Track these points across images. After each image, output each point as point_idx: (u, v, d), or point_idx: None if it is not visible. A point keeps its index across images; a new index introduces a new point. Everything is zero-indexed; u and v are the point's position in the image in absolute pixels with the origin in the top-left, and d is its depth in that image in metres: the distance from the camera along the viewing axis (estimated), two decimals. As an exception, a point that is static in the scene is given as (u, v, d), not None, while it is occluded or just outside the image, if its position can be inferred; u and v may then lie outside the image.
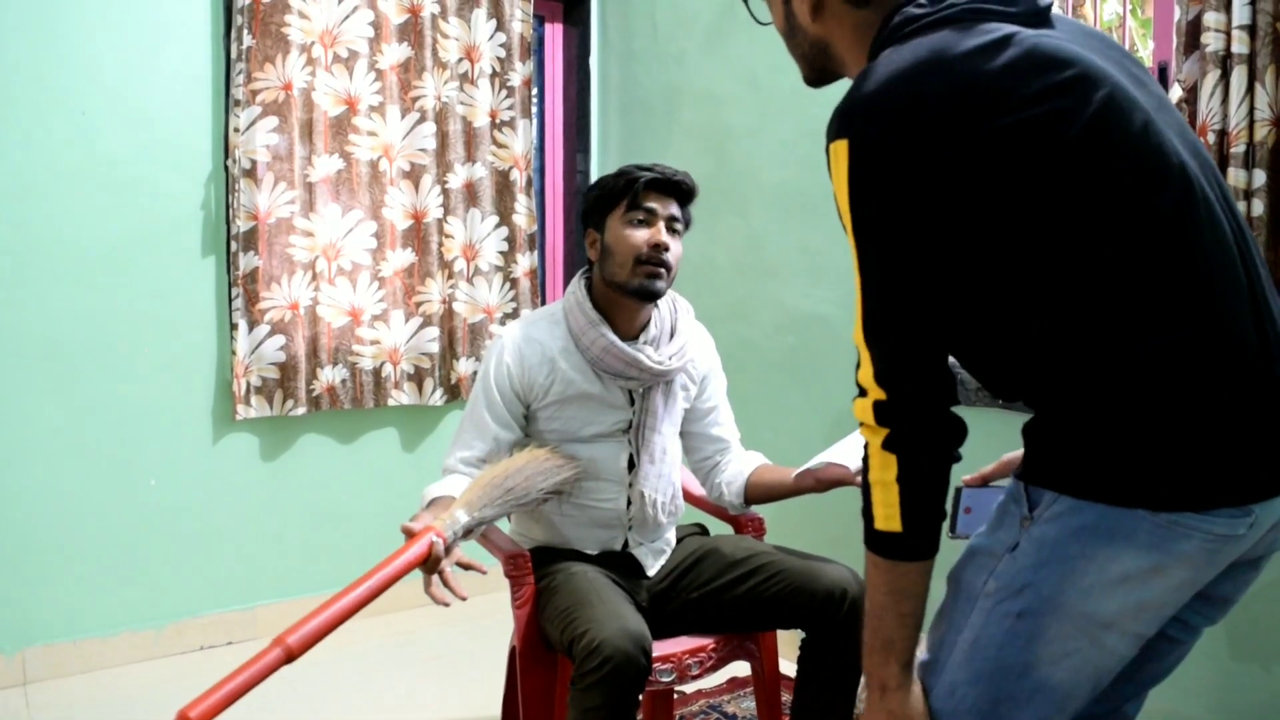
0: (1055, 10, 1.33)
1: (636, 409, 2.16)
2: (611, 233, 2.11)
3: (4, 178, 2.92)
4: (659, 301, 2.19)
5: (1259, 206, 2.07)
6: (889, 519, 1.25)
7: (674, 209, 2.13)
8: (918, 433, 1.23)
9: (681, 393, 2.24)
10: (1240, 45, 2.08)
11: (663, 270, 2.08)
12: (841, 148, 1.21)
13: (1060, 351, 1.19)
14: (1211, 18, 2.11)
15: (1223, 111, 2.12)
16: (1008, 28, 1.22)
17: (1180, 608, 1.25)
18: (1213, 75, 2.12)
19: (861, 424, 1.26)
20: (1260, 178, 2.07)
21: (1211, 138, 2.12)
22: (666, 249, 2.08)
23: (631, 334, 2.14)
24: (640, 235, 2.08)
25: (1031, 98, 1.16)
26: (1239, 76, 2.08)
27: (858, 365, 1.27)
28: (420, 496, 2.09)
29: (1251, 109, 2.08)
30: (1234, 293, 1.18)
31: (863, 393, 1.26)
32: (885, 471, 1.24)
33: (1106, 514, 1.16)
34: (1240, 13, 2.07)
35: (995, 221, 1.18)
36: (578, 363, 2.12)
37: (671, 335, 2.19)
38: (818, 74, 1.48)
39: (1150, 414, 1.14)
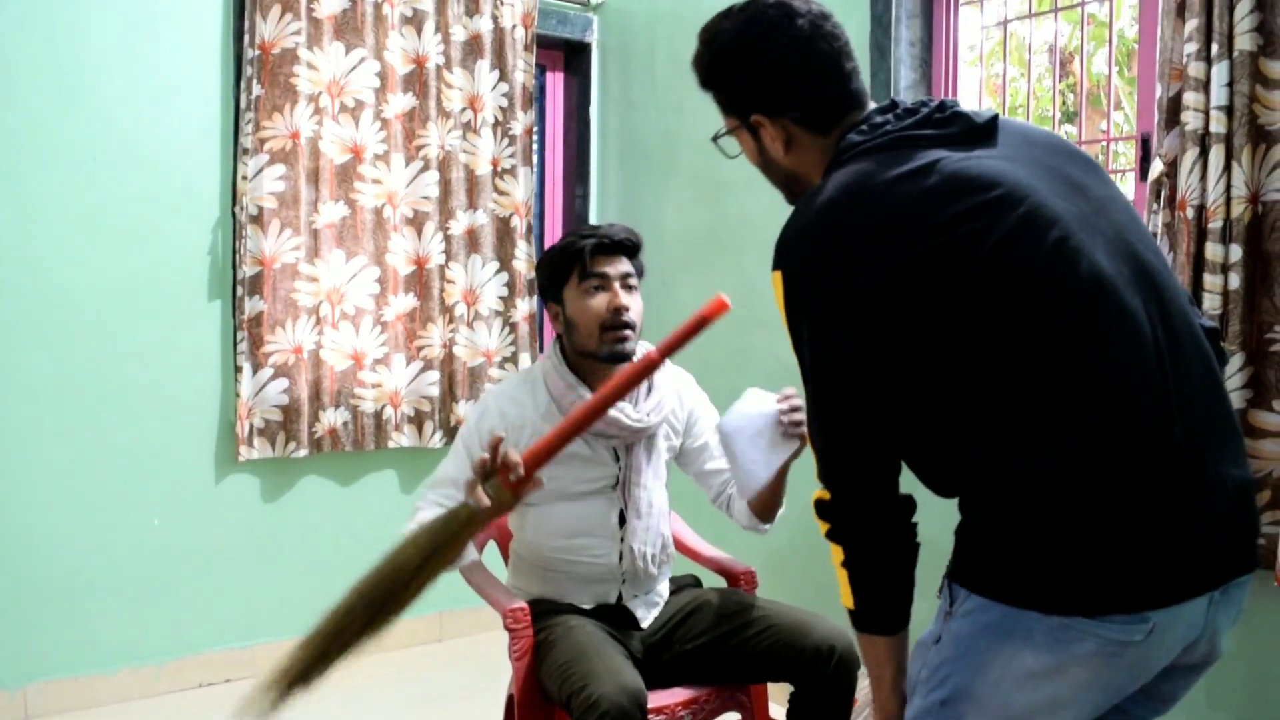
0: (1004, 118, 1.42)
1: (622, 465, 2.22)
2: (571, 304, 2.16)
3: (15, 221, 2.99)
4: (633, 358, 2.23)
5: (1235, 280, 2.15)
6: (845, 595, 1.40)
7: (624, 266, 2.18)
8: (857, 527, 1.36)
9: (665, 444, 2.30)
10: (1218, 125, 2.16)
11: (628, 331, 2.14)
12: (777, 278, 1.37)
13: (971, 460, 1.29)
14: (1190, 97, 2.20)
15: (1201, 187, 2.20)
16: (933, 154, 1.33)
17: (1118, 700, 1.31)
18: (1192, 152, 2.20)
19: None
20: (1236, 252, 2.15)
21: (1190, 212, 2.20)
22: (626, 309, 2.14)
23: None
24: (599, 302, 2.13)
25: (944, 224, 1.27)
26: (1217, 155, 2.16)
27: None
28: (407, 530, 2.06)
29: (1229, 186, 2.16)
30: (1144, 405, 1.23)
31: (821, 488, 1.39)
32: (835, 557, 1.39)
33: (1007, 614, 1.24)
34: (1218, 94, 2.16)
35: (911, 339, 1.29)
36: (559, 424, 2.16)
37: (649, 390, 2.25)
38: (795, 197, 1.57)
39: (1042, 521, 1.22)
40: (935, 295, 1.26)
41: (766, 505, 2.19)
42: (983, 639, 1.27)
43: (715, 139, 1.65)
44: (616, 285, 2.15)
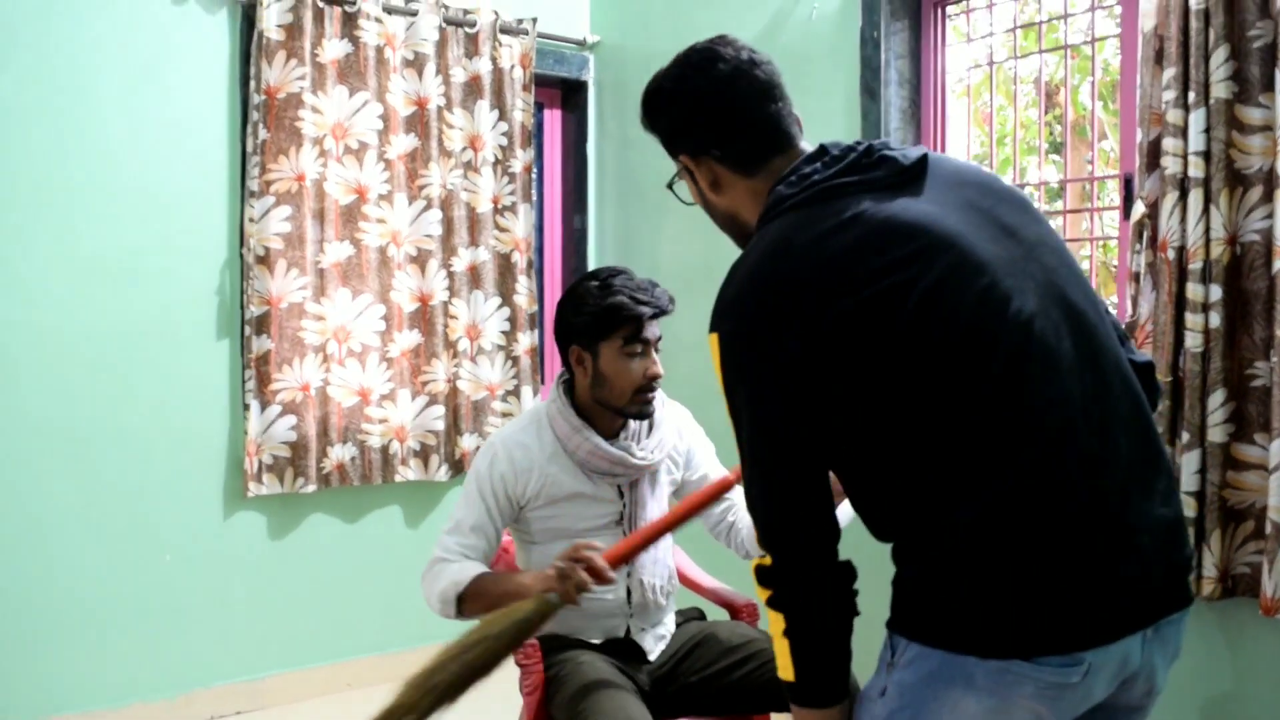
0: (934, 156, 1.44)
1: (626, 501, 2.28)
2: (608, 361, 2.18)
3: (28, 263, 3.07)
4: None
5: (1215, 319, 2.24)
6: (785, 668, 1.38)
7: (658, 330, 2.24)
8: (798, 594, 1.36)
9: (667, 478, 2.37)
10: (1196, 169, 2.25)
11: (655, 394, 2.22)
12: (713, 340, 1.40)
13: (903, 509, 1.32)
14: (1170, 143, 2.29)
15: (1181, 229, 2.29)
16: (859, 204, 1.35)
17: None
18: (1172, 196, 2.29)
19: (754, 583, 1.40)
20: (1216, 292, 2.24)
21: (1171, 254, 2.29)
22: (660, 376, 2.21)
23: (614, 433, 2.26)
24: (639, 368, 2.17)
25: (870, 277, 1.29)
26: (1196, 198, 2.26)
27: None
28: (437, 583, 2.15)
29: (1208, 228, 2.25)
30: (1064, 448, 1.26)
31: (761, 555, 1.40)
32: (776, 626, 1.38)
33: (947, 660, 1.27)
34: (1196, 139, 2.25)
35: (844, 396, 1.32)
36: (567, 465, 2.23)
37: (651, 428, 2.31)
38: (742, 238, 1.59)
39: (974, 567, 1.25)
40: (866, 348, 1.29)
41: None
42: (927, 687, 1.29)
43: (670, 186, 1.68)
44: (653, 351, 2.21)
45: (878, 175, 1.38)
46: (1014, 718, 1.26)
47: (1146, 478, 1.32)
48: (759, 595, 1.40)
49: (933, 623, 1.29)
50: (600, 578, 1.90)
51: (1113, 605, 1.25)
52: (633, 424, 2.29)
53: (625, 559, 1.93)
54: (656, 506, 2.32)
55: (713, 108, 1.50)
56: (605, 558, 1.90)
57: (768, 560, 1.38)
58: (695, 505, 2.06)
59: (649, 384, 2.19)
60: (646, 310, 2.17)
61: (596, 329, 2.17)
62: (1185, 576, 1.35)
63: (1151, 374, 1.47)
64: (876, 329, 1.29)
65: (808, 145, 1.51)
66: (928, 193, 1.38)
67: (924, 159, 1.42)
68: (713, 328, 1.40)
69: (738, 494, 2.41)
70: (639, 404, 2.19)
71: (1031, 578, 1.23)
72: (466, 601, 2.10)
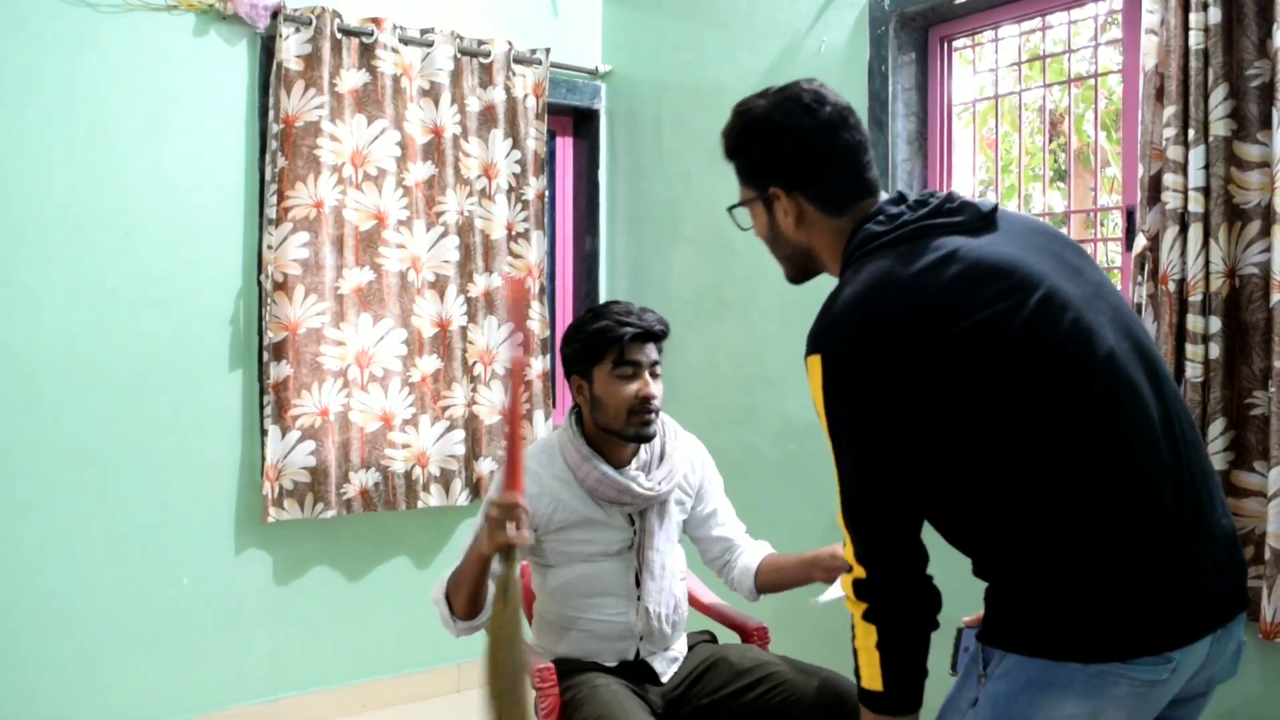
0: (1003, 209, 1.56)
1: (636, 529, 2.34)
2: (600, 385, 2.26)
3: (50, 292, 3.14)
4: (653, 439, 2.35)
5: (1215, 350, 2.29)
6: (872, 679, 1.47)
7: (654, 354, 2.30)
8: (893, 607, 1.45)
9: (676, 508, 2.42)
10: (1196, 205, 2.31)
11: (652, 415, 2.26)
12: (815, 362, 1.46)
13: (1004, 525, 1.40)
14: (1170, 178, 2.35)
15: (1181, 263, 2.34)
16: (954, 242, 1.45)
17: None
18: (1172, 230, 2.35)
19: (846, 597, 1.48)
20: (1216, 324, 2.29)
21: (1172, 286, 2.35)
22: (654, 397, 2.26)
23: (623, 462, 2.32)
24: (630, 389, 2.24)
25: (974, 307, 1.39)
26: (1195, 232, 2.31)
27: (844, 543, 1.50)
28: (437, 606, 2.20)
29: (1207, 261, 2.31)
30: (1154, 466, 1.37)
31: (849, 569, 1.48)
32: (867, 639, 1.46)
33: (1046, 668, 1.37)
34: (1195, 175, 2.31)
35: (947, 416, 1.40)
36: (577, 492, 2.29)
37: (661, 458, 2.37)
38: (800, 273, 1.70)
39: (1076, 579, 1.35)
40: (970, 374, 1.38)
41: (778, 589, 2.38)
42: (1024, 695, 1.38)
43: (731, 209, 1.73)
44: (646, 374, 2.27)
45: (962, 219, 1.48)
46: (1105, 716, 1.36)
47: (1211, 491, 1.44)
48: (852, 608, 1.48)
49: (1032, 633, 1.38)
50: (512, 504, 1.90)
51: (1195, 608, 1.37)
52: (643, 454, 2.34)
53: (514, 474, 1.91)
54: (665, 536, 2.37)
55: (819, 148, 1.57)
56: (505, 489, 1.91)
57: (862, 573, 1.46)
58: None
59: (642, 405, 2.24)
60: (629, 331, 2.24)
61: (588, 355, 2.27)
62: (1245, 580, 1.47)
63: None
64: (981, 355, 1.38)
65: (884, 195, 1.60)
66: (1005, 236, 1.48)
67: (995, 208, 1.53)
68: (814, 350, 1.46)
69: (740, 535, 2.49)
70: (635, 425, 2.25)
71: (1126, 586, 1.34)
72: (452, 598, 2.14)
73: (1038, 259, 1.45)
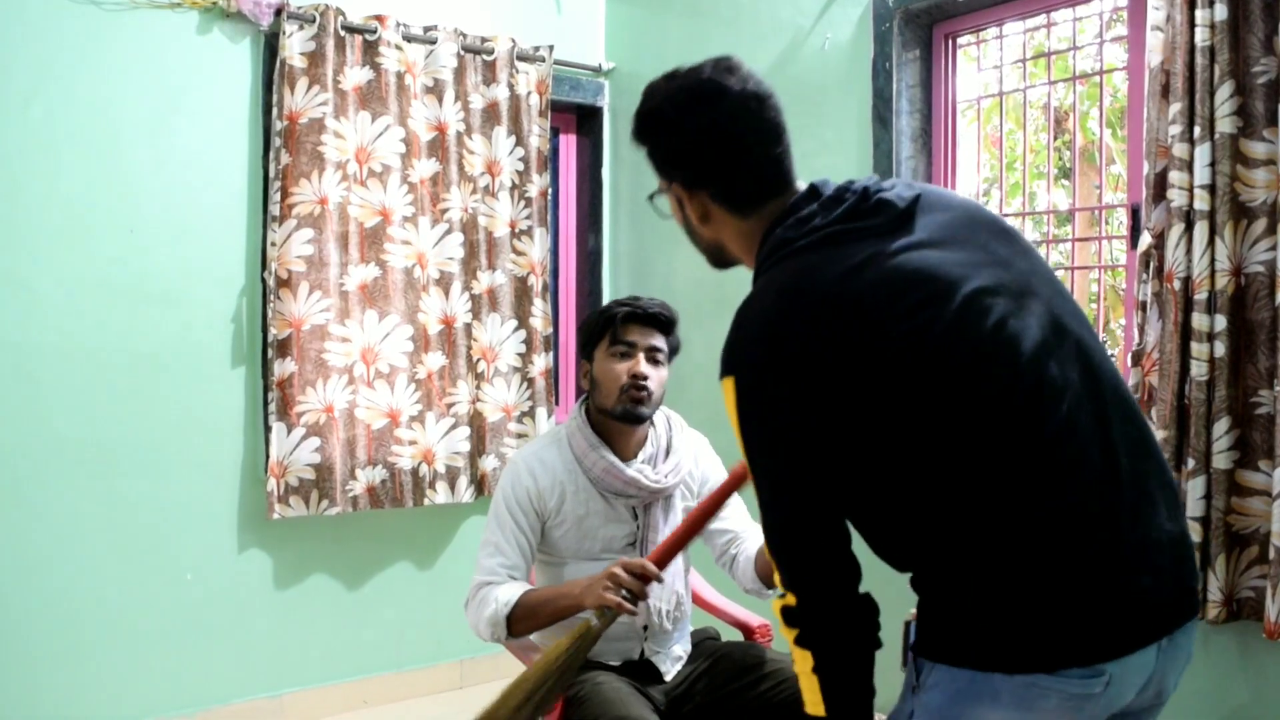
0: (926, 194, 1.44)
1: (640, 523, 2.34)
2: (598, 365, 2.30)
3: (54, 289, 3.14)
4: (654, 421, 2.38)
5: (1220, 348, 2.29)
6: (814, 705, 1.42)
7: (655, 340, 2.30)
8: (825, 630, 1.39)
9: (681, 504, 2.43)
10: (1202, 202, 2.30)
11: (644, 395, 2.26)
12: (728, 384, 1.39)
13: (930, 537, 1.36)
14: (1176, 176, 2.34)
15: (1187, 261, 2.34)
16: (866, 249, 1.36)
17: None
18: (1178, 228, 2.34)
19: (778, 623, 1.43)
20: (1221, 322, 2.29)
21: (1177, 284, 2.34)
22: (645, 378, 2.26)
23: (630, 454, 2.33)
24: (621, 367, 2.26)
25: (889, 320, 1.32)
26: (1201, 230, 2.31)
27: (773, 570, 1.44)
28: (485, 608, 2.21)
29: (1213, 259, 2.30)
30: (1082, 472, 1.31)
31: (781, 595, 1.42)
32: (804, 664, 1.41)
33: (974, 679, 1.32)
34: (1201, 173, 2.30)
35: (864, 432, 1.34)
36: (583, 483, 2.30)
37: (667, 453, 2.38)
38: (720, 264, 1.63)
39: (1001, 589, 1.30)
40: (887, 388, 1.32)
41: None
42: (954, 706, 1.34)
43: (650, 198, 1.64)
44: (641, 355, 2.27)
45: (877, 221, 1.39)
46: None
47: (1152, 494, 1.36)
48: (784, 634, 1.42)
49: (958, 644, 1.34)
50: (648, 576, 1.99)
51: (1130, 618, 1.30)
52: (649, 447, 2.35)
53: (668, 557, 2.02)
54: (669, 531, 2.37)
55: (715, 146, 1.47)
56: (650, 558, 2.00)
57: (791, 600, 1.40)
58: (718, 498, 2.07)
59: (633, 383, 2.24)
60: (623, 311, 2.28)
61: (590, 338, 2.33)
62: (1194, 587, 1.40)
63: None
64: (898, 370, 1.31)
65: (801, 184, 1.49)
66: (925, 234, 1.40)
67: (917, 199, 1.42)
68: (726, 372, 1.39)
69: (743, 526, 2.48)
70: (625, 402, 2.25)
71: (1052, 596, 1.29)
72: (516, 621, 2.17)
73: (958, 258, 1.37)
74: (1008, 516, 1.30)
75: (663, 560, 2.01)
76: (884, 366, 1.32)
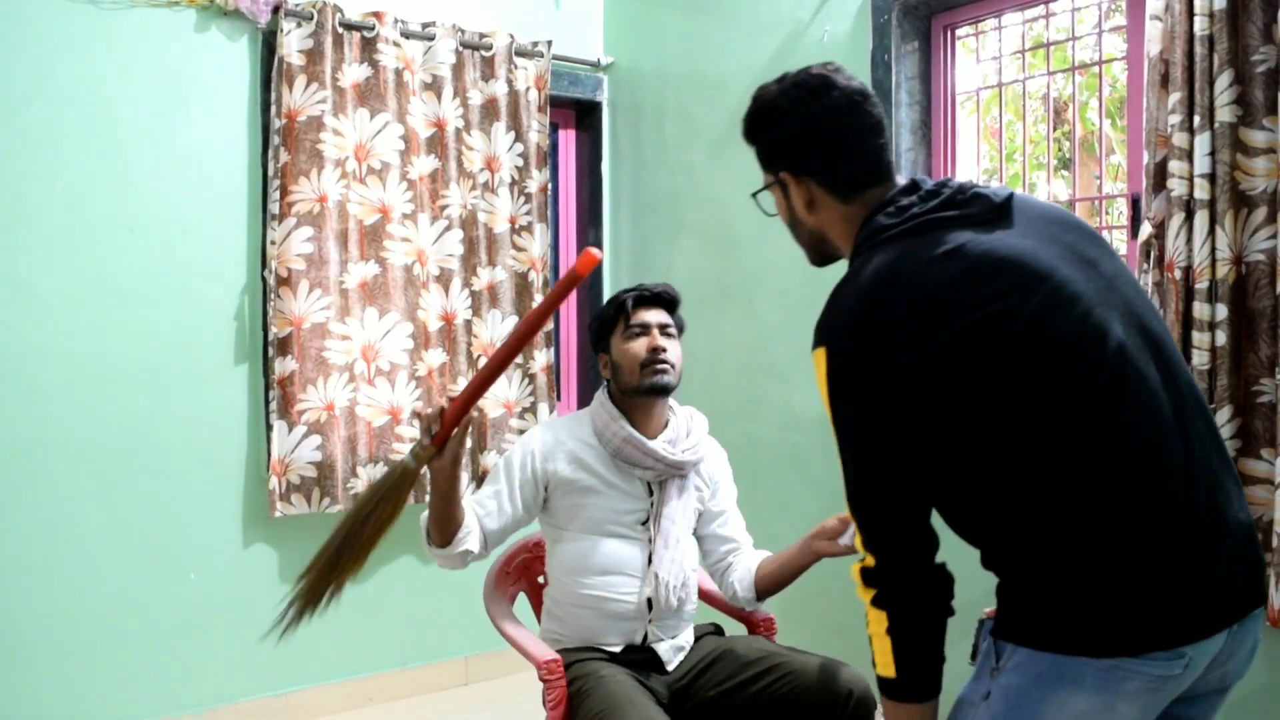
0: (1019, 195, 1.54)
1: (654, 499, 2.38)
2: (616, 351, 2.39)
3: (53, 289, 3.14)
4: (676, 410, 2.45)
5: (1221, 337, 2.28)
6: (886, 665, 1.47)
7: (664, 317, 2.40)
8: (901, 592, 1.45)
9: (694, 490, 2.44)
10: (1202, 192, 2.30)
11: (666, 366, 2.34)
12: (820, 355, 1.47)
13: (1011, 520, 1.40)
14: (1175, 165, 2.34)
15: (1188, 250, 2.34)
16: (962, 236, 1.44)
17: None
18: (1178, 217, 2.34)
19: (856, 584, 1.48)
20: (1222, 311, 2.29)
21: (1178, 274, 2.34)
22: (664, 350, 2.34)
23: (652, 435, 2.39)
24: (639, 344, 2.35)
25: (977, 303, 1.38)
26: (1201, 219, 2.30)
27: (854, 531, 1.50)
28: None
29: (1213, 248, 2.30)
30: (1164, 461, 1.37)
31: (860, 556, 1.48)
32: (879, 625, 1.47)
33: (1057, 662, 1.36)
34: (1201, 162, 2.30)
35: (950, 412, 1.40)
36: (600, 454, 2.37)
37: (689, 431, 2.45)
38: (820, 258, 1.72)
39: (1085, 575, 1.35)
40: (974, 368, 1.38)
41: (777, 587, 2.39)
42: (1035, 689, 1.38)
43: (755, 195, 1.76)
44: (655, 331, 2.37)
45: (973, 211, 1.47)
46: (1117, 713, 1.36)
47: (1225, 485, 1.43)
48: (861, 595, 1.48)
49: (1042, 627, 1.38)
50: (443, 410, 2.05)
51: (1209, 603, 1.36)
52: (670, 430, 2.41)
53: (472, 396, 2.03)
54: (682, 510, 2.39)
55: (824, 133, 1.58)
56: (452, 401, 2.05)
57: (870, 561, 1.46)
58: (546, 305, 2.02)
59: (652, 356, 2.34)
60: (633, 295, 2.38)
61: (604, 329, 2.42)
62: (1263, 574, 1.46)
63: None
64: (986, 349, 1.38)
65: (901, 179, 1.59)
66: (1018, 228, 1.47)
67: (1011, 197, 1.51)
68: (819, 343, 1.47)
69: (744, 537, 2.51)
70: (649, 375, 2.34)
71: (1137, 581, 1.33)
72: (430, 526, 2.25)
73: (1049, 252, 1.44)
74: (1089, 503, 1.35)
75: (465, 400, 2.03)
76: (968, 350, 1.38)
